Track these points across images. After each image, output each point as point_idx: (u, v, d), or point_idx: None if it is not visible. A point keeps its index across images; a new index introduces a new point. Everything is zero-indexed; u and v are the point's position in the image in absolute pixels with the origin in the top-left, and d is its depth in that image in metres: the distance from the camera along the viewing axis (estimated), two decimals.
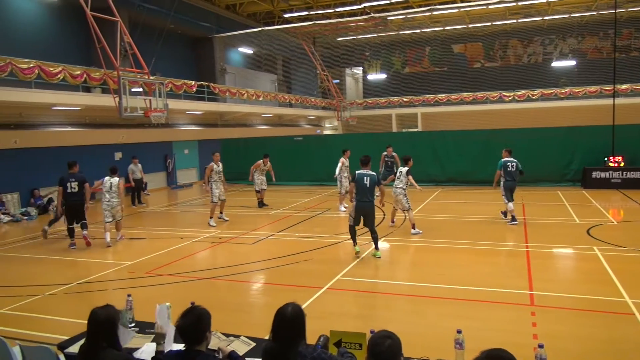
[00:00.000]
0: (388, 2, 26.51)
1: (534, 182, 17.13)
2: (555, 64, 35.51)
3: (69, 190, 10.48)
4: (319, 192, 17.71)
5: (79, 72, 15.77)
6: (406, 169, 11.02)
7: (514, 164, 11.40)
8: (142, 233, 12.03)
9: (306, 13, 28.67)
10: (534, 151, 16.92)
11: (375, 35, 35.25)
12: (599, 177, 16.66)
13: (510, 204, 11.35)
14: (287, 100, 31.98)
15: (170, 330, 3.59)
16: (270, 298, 7.15)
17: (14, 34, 17.30)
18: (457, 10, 28.27)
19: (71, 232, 10.76)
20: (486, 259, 8.72)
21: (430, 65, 40.01)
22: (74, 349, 3.75)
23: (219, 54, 27.59)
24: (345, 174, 14.05)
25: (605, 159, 16.60)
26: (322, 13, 28.99)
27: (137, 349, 3.73)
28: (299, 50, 32.91)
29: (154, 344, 3.61)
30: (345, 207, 13.75)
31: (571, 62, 34.70)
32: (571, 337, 5.37)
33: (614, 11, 19.25)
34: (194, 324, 3.02)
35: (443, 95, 35.25)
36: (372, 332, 3.04)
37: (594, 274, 7.58)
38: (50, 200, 15.90)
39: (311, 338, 3.18)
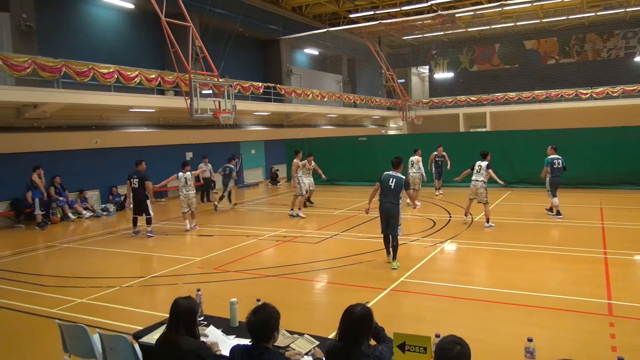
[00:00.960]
0: None
1: (615, 185, 16.11)
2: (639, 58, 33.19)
3: (132, 186, 11.84)
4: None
5: (153, 76, 16.56)
6: (486, 162, 11.51)
7: (560, 160, 11.86)
8: (211, 230, 12.46)
9: (371, 13, 28.53)
10: (614, 151, 15.92)
11: (442, 33, 34.48)
12: None
13: (556, 199, 11.86)
14: (352, 101, 31.97)
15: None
16: (334, 297, 7.18)
17: (96, 41, 18.47)
18: (529, 4, 27.02)
19: (134, 222, 12.11)
20: (559, 264, 8.29)
21: (500, 62, 38.61)
22: (148, 339, 3.95)
23: (285, 55, 28.04)
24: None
25: None
26: (388, 12, 28.73)
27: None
28: (364, 50, 32.80)
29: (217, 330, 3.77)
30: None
31: None
32: None
33: None
34: (264, 322, 3.10)
35: (514, 94, 33.90)
36: (437, 336, 2.98)
37: None
38: (126, 198, 16.80)
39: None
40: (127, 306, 6.92)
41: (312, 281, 7.98)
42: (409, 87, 40.12)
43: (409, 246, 9.83)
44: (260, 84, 22.06)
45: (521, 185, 17.74)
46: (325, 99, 27.41)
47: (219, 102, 15.93)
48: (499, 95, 34.38)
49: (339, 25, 30.34)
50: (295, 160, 13.96)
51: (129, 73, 15.67)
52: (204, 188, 18.21)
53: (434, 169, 16.77)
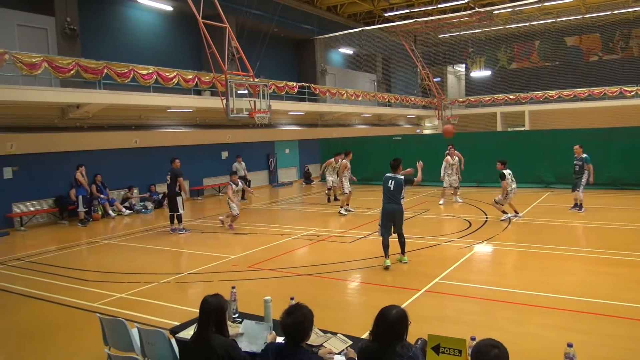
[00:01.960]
0: None
1: None
2: None
3: (166, 182, 12.34)
4: (418, 192, 17.38)
5: (191, 77, 16.88)
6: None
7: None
8: (246, 229, 12.60)
9: (407, 11, 28.25)
10: None
11: (479, 30, 33.86)
12: None
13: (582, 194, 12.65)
14: (387, 100, 31.75)
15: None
16: (367, 297, 7.15)
17: (135, 43, 18.97)
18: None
19: (171, 219, 12.45)
20: (602, 268, 8.01)
21: (539, 60, 37.61)
22: (184, 334, 4.03)
23: (320, 55, 28.09)
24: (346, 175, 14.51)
25: None
26: (424, 10, 28.40)
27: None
28: (399, 48, 32.52)
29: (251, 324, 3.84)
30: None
31: None
32: None
33: None
34: (299, 323, 3.12)
35: (554, 92, 32.95)
36: (472, 338, 2.93)
37: None
38: (164, 196, 17.20)
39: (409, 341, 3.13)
40: (164, 302, 7.08)
41: (346, 281, 7.96)
42: (445, 85, 39.55)
43: (443, 247, 9.70)
44: (294, 83, 22.17)
45: (561, 186, 17.22)
46: (360, 99, 27.31)
47: (254, 102, 16.08)
48: (539, 93, 33.48)
49: (373, 24, 30.17)
50: (344, 161, 14.36)
51: (167, 74, 16.01)
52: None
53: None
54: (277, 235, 11.43)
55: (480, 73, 39.74)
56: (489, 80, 38.82)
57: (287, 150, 24.88)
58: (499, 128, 34.69)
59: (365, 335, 3.82)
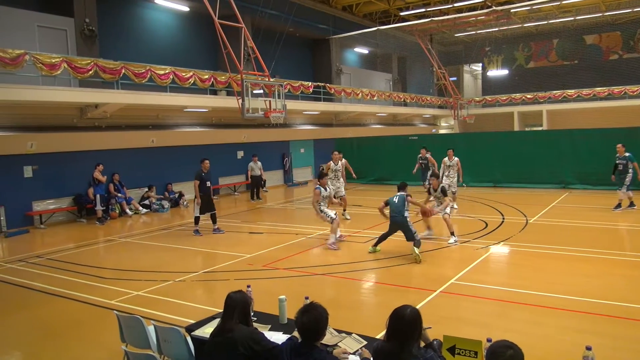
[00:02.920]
0: None
1: None
2: None
3: None
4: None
5: (207, 76, 16.99)
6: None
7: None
8: (261, 228, 12.65)
9: (423, 10, 28.08)
10: None
11: (496, 29, 33.49)
12: None
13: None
14: (402, 99, 31.59)
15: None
16: (382, 298, 7.13)
17: (152, 43, 19.15)
18: None
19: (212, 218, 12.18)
20: (622, 270, 7.87)
21: (557, 58, 37.09)
22: (200, 332, 4.05)
23: (335, 54, 28.06)
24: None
25: None
26: (440, 9, 28.20)
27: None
28: (415, 48, 32.33)
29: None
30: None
31: None
32: None
33: None
34: (313, 323, 3.12)
35: (572, 91, 32.44)
36: (488, 340, 2.91)
37: None
38: (180, 195, 17.37)
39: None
40: (180, 300, 7.14)
41: (360, 281, 7.95)
42: (461, 85, 39.18)
43: (459, 247, 9.63)
44: (310, 83, 22.18)
45: (580, 187, 17.00)
46: (375, 98, 27.23)
47: (270, 101, 16.14)
48: (557, 92, 33.00)
49: (389, 24, 30.05)
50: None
51: (183, 74, 16.14)
52: (253, 186, 18.54)
53: (419, 171, 16.38)
54: (292, 235, 11.46)
55: (497, 72, 39.32)
56: (506, 79, 38.41)
57: (302, 150, 24.91)
58: (516, 128, 34.29)
59: (379, 336, 3.81)
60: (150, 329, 4.43)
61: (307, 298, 3.78)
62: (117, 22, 17.85)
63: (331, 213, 10.15)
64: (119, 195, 15.50)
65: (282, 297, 4.31)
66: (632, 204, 12.73)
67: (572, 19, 31.49)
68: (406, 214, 9.10)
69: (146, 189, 16.75)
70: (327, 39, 27.39)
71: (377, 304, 6.92)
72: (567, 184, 17.31)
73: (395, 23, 30.04)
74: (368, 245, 10.21)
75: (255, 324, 4.17)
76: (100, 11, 16.46)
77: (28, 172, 13.99)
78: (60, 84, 14.09)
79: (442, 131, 36.79)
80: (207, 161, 12.07)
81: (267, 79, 16.58)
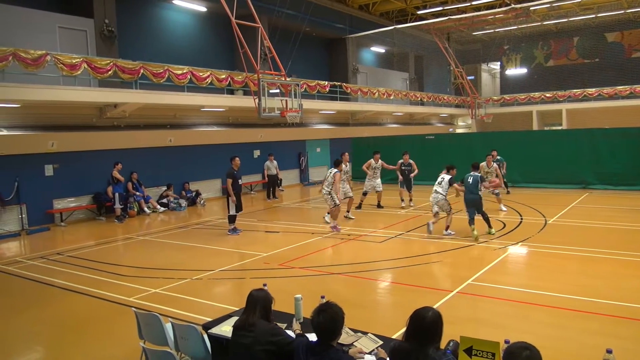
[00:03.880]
0: None
1: None
2: None
3: None
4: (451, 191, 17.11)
5: (224, 76, 17.09)
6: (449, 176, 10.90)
7: None
8: (277, 227, 12.69)
9: (440, 8, 27.86)
10: None
11: (515, 27, 33.07)
12: None
13: None
14: (419, 99, 31.41)
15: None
16: (398, 297, 7.09)
17: (170, 43, 19.34)
18: None
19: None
20: None
21: (578, 57, 36.48)
22: (217, 330, 4.08)
23: (352, 54, 28.00)
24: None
25: None
26: (457, 7, 27.95)
27: None
28: (432, 47, 32.11)
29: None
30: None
31: None
32: None
33: None
34: (329, 322, 3.13)
35: (593, 90, 31.90)
36: (506, 341, 2.87)
37: None
38: (197, 194, 17.50)
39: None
40: (197, 298, 7.20)
41: (377, 280, 7.93)
42: (479, 84, 38.82)
43: (477, 248, 9.54)
44: (326, 82, 22.18)
45: (601, 187, 16.71)
46: (392, 97, 27.12)
47: (286, 101, 16.17)
48: (577, 91, 32.48)
49: (406, 23, 29.89)
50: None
51: (201, 74, 16.26)
52: (270, 185, 18.61)
53: (400, 177, 15.15)
54: (308, 234, 11.47)
55: (516, 71, 38.83)
56: (525, 78, 37.90)
57: (318, 149, 24.91)
58: (535, 127, 33.84)
59: (396, 336, 3.79)
60: (168, 327, 4.47)
61: (323, 297, 3.77)
62: (135, 22, 18.06)
63: (336, 199, 11.29)
64: (137, 193, 15.68)
65: (298, 296, 4.32)
66: None
67: (593, 16, 30.93)
68: (480, 193, 10.32)
69: (165, 188, 16.90)
70: (343, 38, 27.35)
71: (393, 303, 6.89)
72: (587, 184, 17.03)
73: (412, 22, 29.87)
74: (385, 244, 10.20)
75: None
76: (120, 12, 16.67)
77: (49, 170, 14.23)
78: (80, 84, 14.30)
79: (459, 130, 36.49)
80: (237, 158, 11.76)
81: (283, 79, 16.62)
